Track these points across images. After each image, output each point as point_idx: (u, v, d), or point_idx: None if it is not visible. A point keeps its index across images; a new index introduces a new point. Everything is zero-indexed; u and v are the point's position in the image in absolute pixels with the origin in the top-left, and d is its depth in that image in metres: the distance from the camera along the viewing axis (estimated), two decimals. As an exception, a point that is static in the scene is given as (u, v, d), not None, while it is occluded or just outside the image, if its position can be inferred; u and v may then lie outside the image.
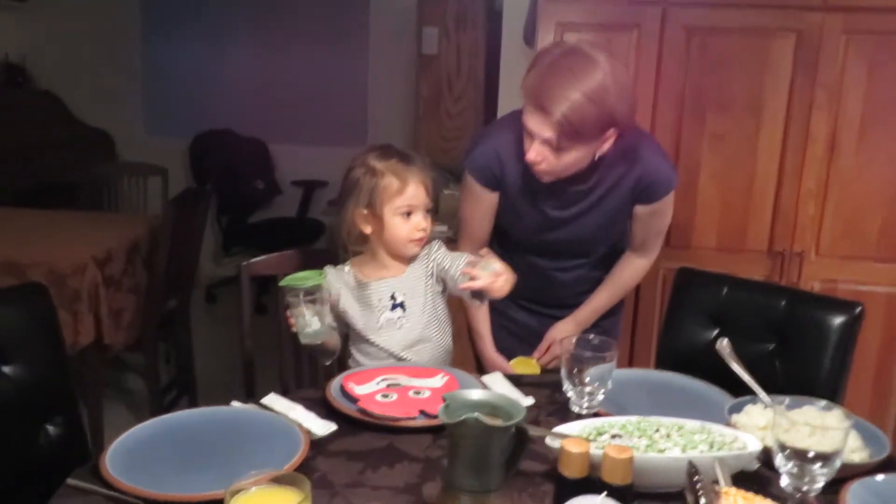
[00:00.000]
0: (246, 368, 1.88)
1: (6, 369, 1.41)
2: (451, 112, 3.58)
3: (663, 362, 1.82)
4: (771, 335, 1.73)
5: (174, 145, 4.91)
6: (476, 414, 0.98)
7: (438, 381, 1.48)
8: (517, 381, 1.54)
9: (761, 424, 1.27)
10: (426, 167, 1.59)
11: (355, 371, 1.51)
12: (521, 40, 2.85)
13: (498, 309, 1.89)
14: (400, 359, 1.59)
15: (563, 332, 1.81)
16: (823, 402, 1.30)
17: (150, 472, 1.12)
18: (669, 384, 1.54)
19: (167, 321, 3.03)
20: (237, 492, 0.93)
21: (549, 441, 1.14)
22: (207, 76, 4.98)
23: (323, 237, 4.84)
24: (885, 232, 2.50)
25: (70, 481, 1.10)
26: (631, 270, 1.88)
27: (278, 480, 0.96)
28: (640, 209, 1.75)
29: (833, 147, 2.48)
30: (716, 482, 0.94)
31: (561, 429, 1.18)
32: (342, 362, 1.70)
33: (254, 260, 1.88)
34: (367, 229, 1.59)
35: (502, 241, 1.83)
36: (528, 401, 1.44)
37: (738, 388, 1.48)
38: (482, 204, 1.77)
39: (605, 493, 0.92)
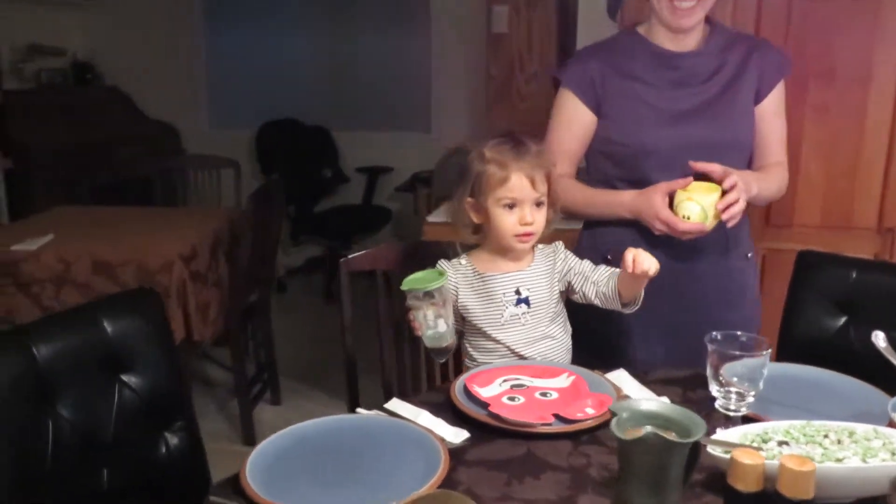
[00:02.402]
0: (349, 369, 1.84)
1: (127, 378, 1.40)
2: (523, 93, 3.48)
3: (786, 353, 1.72)
4: (907, 322, 1.61)
5: (239, 137, 4.93)
6: (652, 429, 0.91)
7: (564, 380, 1.41)
8: (644, 379, 1.46)
9: (932, 426, 1.17)
10: (541, 159, 1.51)
11: (475, 372, 1.44)
12: (605, 13, 2.73)
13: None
14: (520, 356, 1.53)
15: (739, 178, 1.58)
16: None
17: (292, 487, 1.08)
18: (808, 379, 1.44)
19: (248, 314, 3.03)
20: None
21: (710, 449, 1.06)
22: (269, 66, 4.98)
23: (390, 223, 4.82)
24: None
25: (213, 498, 1.06)
26: (776, 168, 1.77)
27: (436, 499, 0.91)
28: (764, 106, 1.72)
29: (951, 116, 2.33)
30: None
31: (720, 435, 1.10)
32: (456, 359, 1.64)
33: (351, 256, 1.83)
34: (477, 219, 1.54)
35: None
36: (663, 401, 1.36)
37: (876, 382, 1.39)
38: (576, 126, 1.75)
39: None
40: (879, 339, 1.35)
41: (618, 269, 1.51)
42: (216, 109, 5.14)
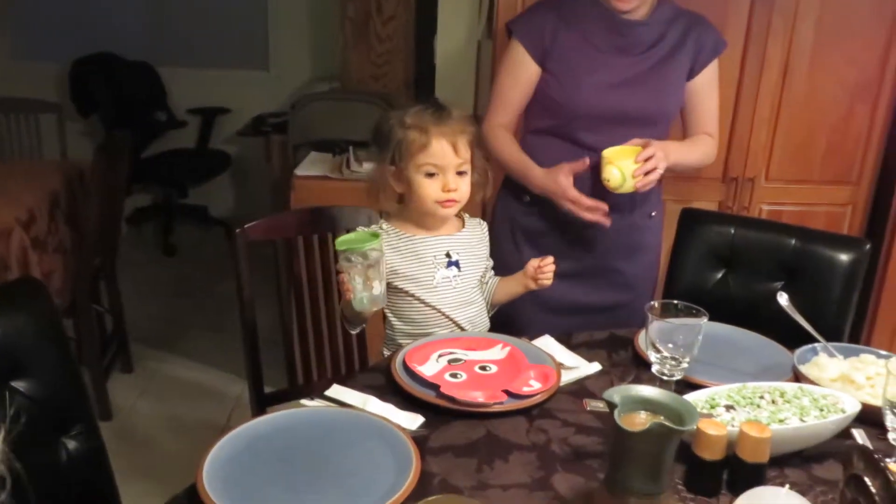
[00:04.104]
0: (250, 347, 1.71)
1: (17, 384, 1.21)
2: (381, 35, 3.36)
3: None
4: (780, 273, 1.79)
5: (47, 72, 4.34)
6: (648, 415, 0.94)
7: (499, 352, 1.42)
8: (568, 344, 1.50)
9: (833, 376, 1.31)
10: (463, 124, 1.48)
11: (410, 349, 1.41)
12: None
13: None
14: (450, 319, 1.53)
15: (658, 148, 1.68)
16: (883, 351, 1.38)
17: (260, 496, 1.00)
18: (719, 335, 1.50)
19: (94, 280, 2.74)
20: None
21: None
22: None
23: (230, 169, 4.53)
24: (829, 155, 2.64)
25: (175, 522, 0.96)
26: (708, 141, 1.87)
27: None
28: (697, 82, 1.80)
29: (786, 73, 2.56)
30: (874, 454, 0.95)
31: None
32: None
33: (248, 225, 1.69)
34: (398, 188, 1.50)
35: (547, 150, 1.77)
36: (595, 367, 1.41)
37: (753, 328, 1.55)
38: (521, 76, 1.78)
39: (787, 486, 0.91)
40: (783, 298, 1.49)
41: (495, 278, 1.62)
42: (20, 39, 4.46)
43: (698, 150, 1.85)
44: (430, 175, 1.46)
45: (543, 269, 1.50)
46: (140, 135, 4.36)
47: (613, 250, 1.84)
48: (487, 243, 1.61)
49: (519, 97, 1.80)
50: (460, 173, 1.48)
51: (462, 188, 1.48)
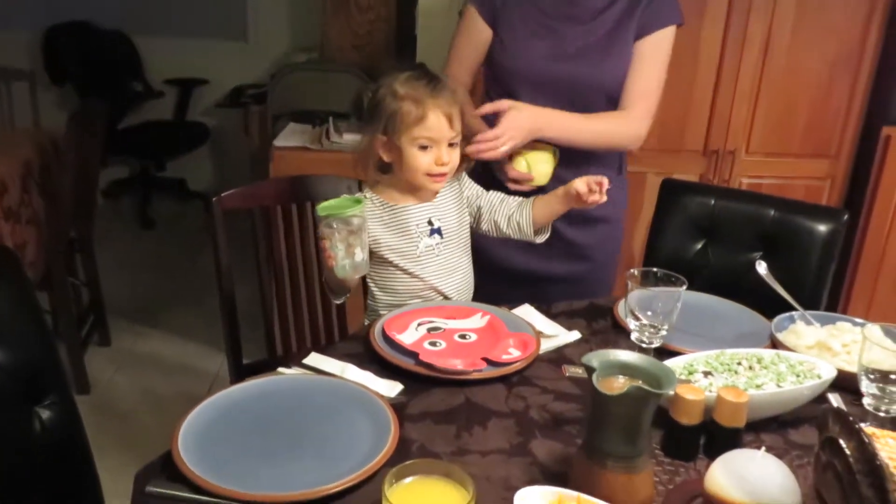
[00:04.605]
0: (229, 318, 1.70)
1: (-10, 353, 1.19)
2: (362, 4, 3.30)
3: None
4: (758, 244, 1.80)
5: (19, 39, 4.24)
6: (626, 379, 0.94)
7: (479, 320, 1.42)
8: (548, 313, 1.50)
9: (810, 343, 1.32)
10: (456, 96, 1.46)
11: (389, 317, 1.40)
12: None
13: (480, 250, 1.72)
14: (437, 291, 1.51)
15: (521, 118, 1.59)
16: (858, 319, 1.39)
17: (237, 465, 0.99)
18: (698, 305, 1.52)
19: (70, 252, 2.70)
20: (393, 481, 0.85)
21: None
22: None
23: (208, 142, 4.47)
24: (808, 129, 2.66)
25: (150, 489, 0.95)
26: (617, 117, 1.71)
27: (429, 469, 0.88)
28: (639, 46, 1.68)
29: (767, 49, 2.56)
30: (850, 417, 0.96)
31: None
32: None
33: (225, 194, 1.67)
34: (388, 158, 1.48)
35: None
36: (574, 335, 1.41)
37: (731, 297, 1.56)
38: (474, 37, 1.76)
39: (763, 448, 0.92)
40: (761, 267, 1.49)
41: (528, 199, 1.53)
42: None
43: (597, 123, 1.69)
44: (424, 148, 1.43)
45: (592, 193, 1.42)
46: (115, 105, 4.28)
47: (565, 220, 1.73)
48: (467, 194, 1.57)
49: (473, 56, 1.77)
50: (451, 145, 1.46)
51: (453, 160, 1.46)
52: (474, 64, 1.79)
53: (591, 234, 1.83)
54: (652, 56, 1.70)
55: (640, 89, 1.71)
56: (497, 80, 1.77)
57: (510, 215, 1.54)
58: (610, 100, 1.71)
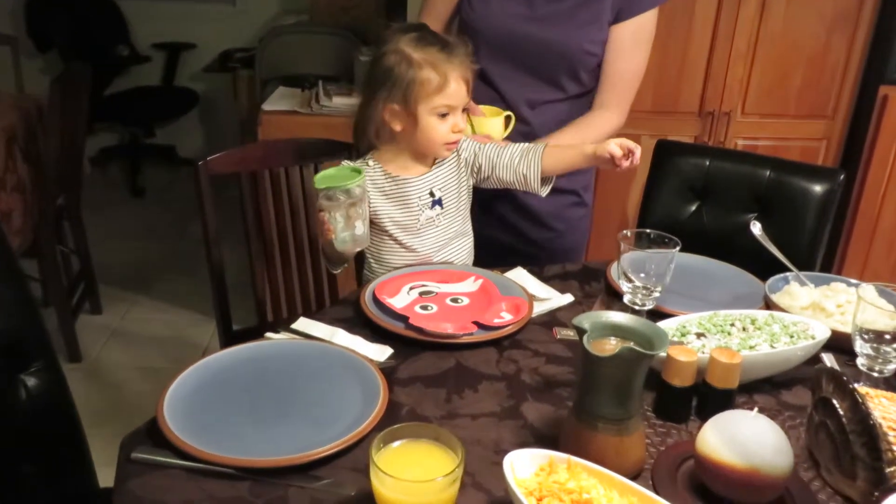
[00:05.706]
0: (217, 285, 1.67)
1: (-29, 320, 1.17)
2: (351, -35, 3.23)
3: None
4: (753, 205, 1.78)
5: (1, 4, 4.14)
6: (618, 341, 0.93)
7: (471, 284, 1.40)
8: (541, 276, 1.49)
9: (805, 304, 1.31)
10: (468, 58, 1.41)
11: (381, 281, 1.38)
12: None
13: None
14: (435, 261, 1.49)
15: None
16: (853, 280, 1.37)
17: (223, 430, 0.98)
18: (692, 266, 1.51)
19: (58, 219, 2.67)
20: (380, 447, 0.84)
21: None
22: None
23: (197, 107, 4.40)
24: (805, 90, 2.62)
25: (136, 455, 0.94)
26: (600, 119, 1.68)
27: (418, 433, 0.87)
28: (620, 30, 1.61)
29: (763, 7, 2.51)
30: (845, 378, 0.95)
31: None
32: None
33: (211, 157, 1.63)
34: (398, 127, 1.42)
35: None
36: (567, 298, 1.40)
37: (726, 259, 1.54)
38: None
39: (756, 409, 0.91)
40: (756, 228, 1.47)
41: (529, 146, 1.48)
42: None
43: (581, 129, 1.64)
44: (443, 116, 1.39)
45: (626, 158, 1.36)
46: (102, 71, 4.21)
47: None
48: (465, 156, 1.51)
49: (444, 9, 1.71)
50: (464, 110, 1.43)
51: (466, 127, 1.44)
52: (445, 17, 1.73)
53: (550, 202, 1.71)
54: (635, 41, 1.64)
55: (626, 76, 1.67)
56: (458, 32, 1.70)
57: (515, 167, 1.46)
58: (571, 71, 1.64)
